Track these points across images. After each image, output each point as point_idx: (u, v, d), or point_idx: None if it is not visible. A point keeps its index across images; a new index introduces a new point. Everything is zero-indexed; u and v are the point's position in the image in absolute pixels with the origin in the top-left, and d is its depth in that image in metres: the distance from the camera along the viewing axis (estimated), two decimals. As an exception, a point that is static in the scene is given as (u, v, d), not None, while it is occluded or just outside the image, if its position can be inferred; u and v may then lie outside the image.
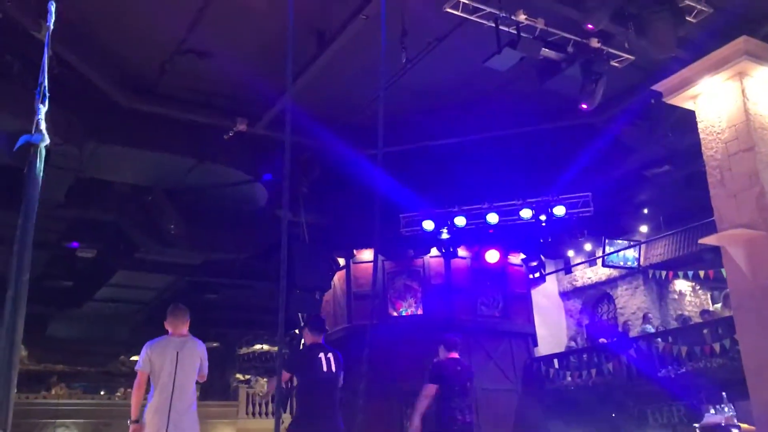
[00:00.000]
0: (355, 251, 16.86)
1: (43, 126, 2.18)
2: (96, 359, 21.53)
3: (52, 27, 2.57)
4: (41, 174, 2.10)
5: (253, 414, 23.26)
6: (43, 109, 2.22)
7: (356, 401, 6.30)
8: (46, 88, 2.27)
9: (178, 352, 5.81)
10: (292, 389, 6.67)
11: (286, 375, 6.70)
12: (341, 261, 17.02)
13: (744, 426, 10.31)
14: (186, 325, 6.11)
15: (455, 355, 7.39)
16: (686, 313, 16.40)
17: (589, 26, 7.61)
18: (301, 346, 7.54)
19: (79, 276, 16.21)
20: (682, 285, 17.66)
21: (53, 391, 23.73)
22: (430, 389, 7.20)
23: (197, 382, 6.14)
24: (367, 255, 16.91)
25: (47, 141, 2.12)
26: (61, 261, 15.15)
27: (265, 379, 25.27)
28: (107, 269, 15.27)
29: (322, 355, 6.42)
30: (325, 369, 6.35)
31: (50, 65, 2.56)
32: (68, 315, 18.03)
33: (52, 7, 2.62)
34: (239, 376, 25.81)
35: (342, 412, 6.48)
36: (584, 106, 8.48)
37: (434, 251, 16.29)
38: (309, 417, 6.13)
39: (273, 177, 12.59)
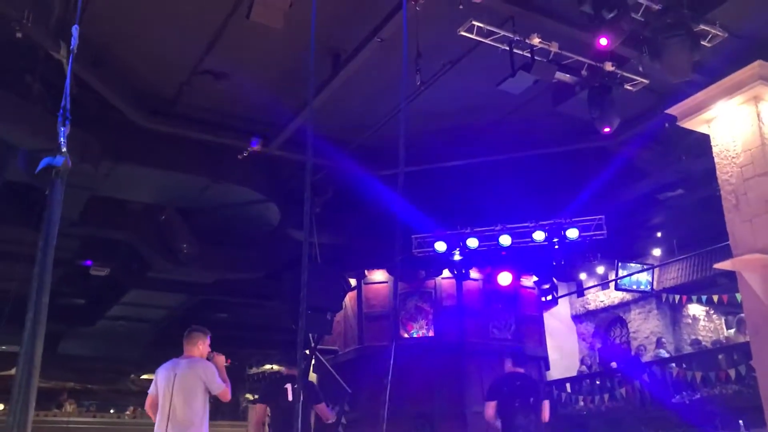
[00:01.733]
0: (366, 272, 16.84)
1: (64, 148, 2.20)
2: (107, 377, 21.50)
3: (75, 51, 2.60)
4: (62, 197, 2.12)
5: (263, 434, 23.05)
6: (65, 131, 2.25)
7: (367, 424, 6.35)
8: (68, 111, 2.30)
9: (175, 374, 5.76)
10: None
11: (261, 406, 7.43)
12: (352, 281, 16.99)
13: (760, 454, 10.16)
14: (196, 346, 6.05)
15: (520, 370, 7.11)
16: (700, 337, 16.24)
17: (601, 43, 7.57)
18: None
19: (91, 294, 16.27)
20: (695, 309, 17.49)
21: (64, 409, 23.74)
22: (488, 407, 6.83)
23: (216, 399, 6.05)
24: (378, 276, 16.87)
25: (69, 164, 2.14)
26: (74, 279, 15.20)
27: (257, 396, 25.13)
28: (120, 288, 15.31)
29: (288, 385, 6.87)
30: (290, 398, 6.78)
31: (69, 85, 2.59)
32: (80, 333, 18.05)
33: (76, 32, 2.65)
34: (249, 396, 25.70)
35: None
36: (607, 129, 8.45)
37: (446, 273, 16.23)
38: None
39: (286, 198, 12.64)
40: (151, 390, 5.83)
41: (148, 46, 9.46)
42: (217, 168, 11.74)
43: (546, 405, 6.96)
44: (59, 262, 13.33)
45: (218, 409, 23.60)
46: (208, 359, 6.04)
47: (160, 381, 5.78)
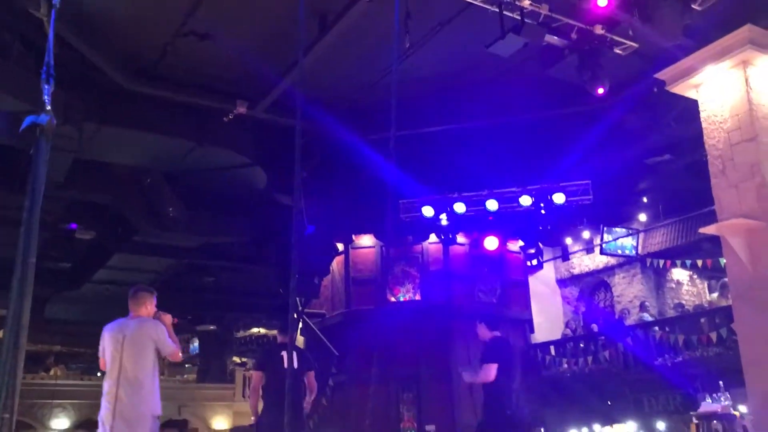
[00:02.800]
0: (353, 236, 16.87)
1: (48, 107, 2.15)
2: (94, 341, 21.43)
3: (58, 5, 2.52)
4: (47, 156, 2.08)
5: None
6: (49, 89, 2.19)
7: (354, 386, 6.42)
8: (52, 68, 2.24)
9: (124, 336, 5.53)
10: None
11: (258, 374, 7.66)
12: (340, 246, 17.02)
13: (739, 415, 10.38)
14: (144, 306, 5.78)
15: (498, 334, 6.79)
16: (683, 302, 16.45)
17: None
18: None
19: (77, 258, 16.19)
20: (679, 274, 17.70)
21: (51, 372, 23.82)
22: (490, 369, 6.37)
23: (166, 360, 5.95)
24: (365, 240, 16.91)
25: (54, 121, 2.09)
26: (60, 242, 15.11)
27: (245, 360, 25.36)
28: (105, 251, 15.24)
29: (284, 353, 6.99)
30: (286, 366, 6.85)
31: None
32: (66, 296, 18.01)
33: (58, -15, 2.57)
34: (236, 359, 25.90)
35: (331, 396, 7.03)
36: (600, 90, 8.39)
37: (433, 237, 16.29)
38: (272, 408, 6.85)
39: (273, 161, 12.55)
40: (101, 353, 5.63)
41: (132, 5, 9.26)
42: (203, 131, 11.62)
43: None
44: (44, 226, 13.24)
45: (207, 373, 23.80)
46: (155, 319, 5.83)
47: (108, 342, 5.56)
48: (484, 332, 6.85)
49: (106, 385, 5.46)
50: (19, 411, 14.77)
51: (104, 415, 5.34)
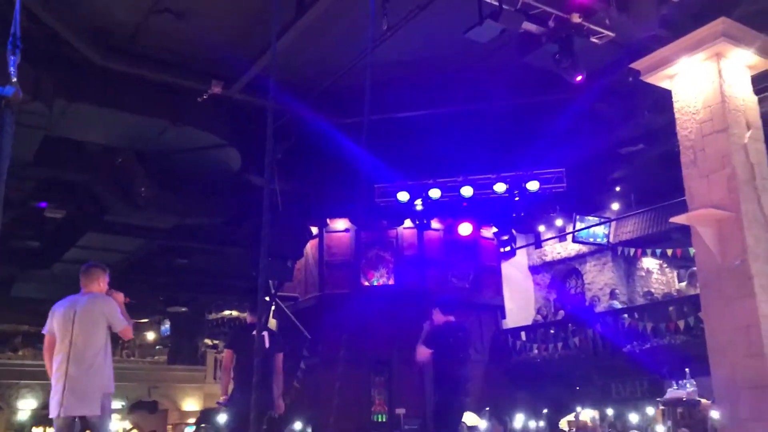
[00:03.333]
0: (328, 220, 16.83)
1: (15, 78, 2.10)
2: (63, 321, 21.31)
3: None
4: (13, 128, 2.03)
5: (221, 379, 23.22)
6: (15, 60, 2.14)
7: (326, 369, 6.44)
8: (19, 39, 2.18)
9: (75, 311, 5.44)
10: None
11: (229, 352, 7.79)
12: (314, 229, 16.97)
13: (704, 401, 10.60)
14: (96, 283, 5.72)
15: (451, 318, 6.88)
16: (653, 290, 16.69)
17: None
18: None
19: (47, 237, 15.96)
20: (649, 263, 17.93)
21: (19, 352, 23.53)
22: (423, 353, 6.64)
23: (120, 338, 5.86)
24: (340, 224, 16.88)
25: (20, 94, 2.04)
26: (29, 221, 14.87)
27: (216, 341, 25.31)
28: (76, 231, 15.04)
29: (255, 333, 7.05)
30: (266, 346, 7.15)
31: (20, 18, 2.46)
32: (35, 275, 17.75)
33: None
34: (208, 341, 25.80)
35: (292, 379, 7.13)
36: (578, 78, 8.43)
37: (408, 222, 16.31)
38: (243, 389, 6.96)
39: (246, 143, 12.45)
40: (47, 330, 5.52)
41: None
42: (176, 110, 11.47)
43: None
44: (13, 204, 13.02)
45: (178, 354, 23.68)
46: None
47: (58, 319, 5.46)
48: (438, 317, 6.93)
49: (56, 362, 5.36)
50: (-15, 391, 14.41)
51: (56, 394, 5.25)
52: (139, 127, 11.78)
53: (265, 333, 7.18)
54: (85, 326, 5.42)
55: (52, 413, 5.28)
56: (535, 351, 15.78)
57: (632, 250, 16.80)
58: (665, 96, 9.09)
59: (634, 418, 13.58)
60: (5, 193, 2.11)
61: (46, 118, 10.27)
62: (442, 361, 6.60)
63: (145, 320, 27.03)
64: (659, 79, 8.92)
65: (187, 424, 20.96)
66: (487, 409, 14.55)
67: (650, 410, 13.26)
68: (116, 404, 18.01)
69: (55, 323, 5.48)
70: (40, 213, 13.98)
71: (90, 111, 10.99)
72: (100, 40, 10.16)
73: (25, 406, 19.95)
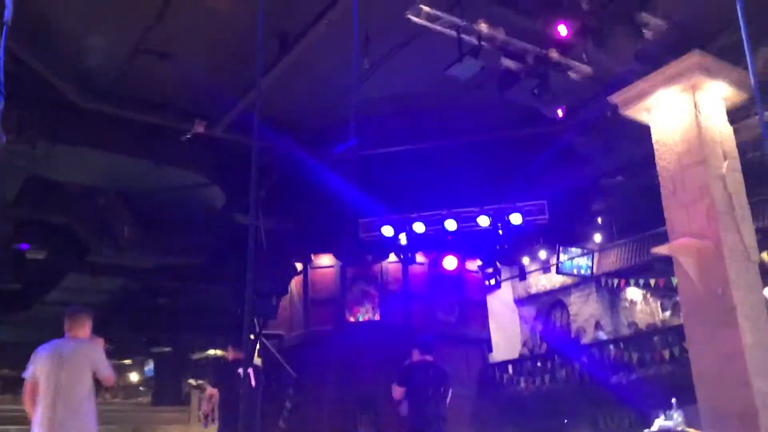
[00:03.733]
0: (312, 256, 16.78)
1: None
2: (44, 364, 20.97)
3: (9, 23, 2.48)
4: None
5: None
6: None
7: (312, 408, 6.38)
8: (2, 85, 2.19)
9: (62, 356, 5.38)
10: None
11: (213, 390, 7.50)
12: (299, 266, 16.91)
13: (691, 431, 10.58)
14: (82, 328, 5.65)
15: (429, 358, 6.97)
16: (637, 320, 16.74)
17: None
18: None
19: (28, 278, 15.76)
20: (633, 293, 18.02)
21: (-2, 397, 23.03)
22: (397, 392, 6.75)
23: (102, 386, 5.79)
24: (325, 260, 16.84)
25: (3, 140, 2.05)
26: (9, 262, 14.71)
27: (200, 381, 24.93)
28: (58, 272, 14.89)
29: (240, 370, 6.75)
30: (253, 384, 6.91)
31: (4, 62, 2.48)
32: (15, 318, 17.49)
33: (11, 3, 2.53)
34: (192, 381, 25.39)
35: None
36: (555, 114, 8.56)
37: (392, 257, 16.31)
38: (229, 426, 6.71)
39: (230, 181, 12.46)
40: (29, 375, 5.41)
41: (89, 22, 9.14)
42: (160, 150, 11.49)
43: (449, 393, 6.93)
44: (-7, 246, 12.90)
45: (162, 395, 23.28)
46: None
47: (43, 363, 5.37)
48: (416, 356, 7.02)
49: (41, 406, 5.26)
50: (-37, 438, 13.99)
51: None
52: (122, 167, 11.77)
53: (251, 370, 6.97)
54: (72, 371, 5.35)
55: None
56: (523, 384, 15.73)
57: (616, 281, 16.90)
58: (643, 128, 9.24)
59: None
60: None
61: (29, 158, 10.25)
62: (414, 399, 6.68)
63: (129, 361, 26.61)
64: (637, 112, 9.07)
65: (172, 467, 20.51)
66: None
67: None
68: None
69: (39, 368, 5.38)
70: (22, 254, 13.84)
71: (73, 152, 10.99)
72: (84, 83, 10.20)
73: (4, 452, 19.47)
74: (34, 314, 17.06)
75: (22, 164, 10.23)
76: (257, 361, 15.85)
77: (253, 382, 6.88)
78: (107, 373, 5.60)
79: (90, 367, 5.47)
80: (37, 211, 12.55)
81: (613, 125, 11.26)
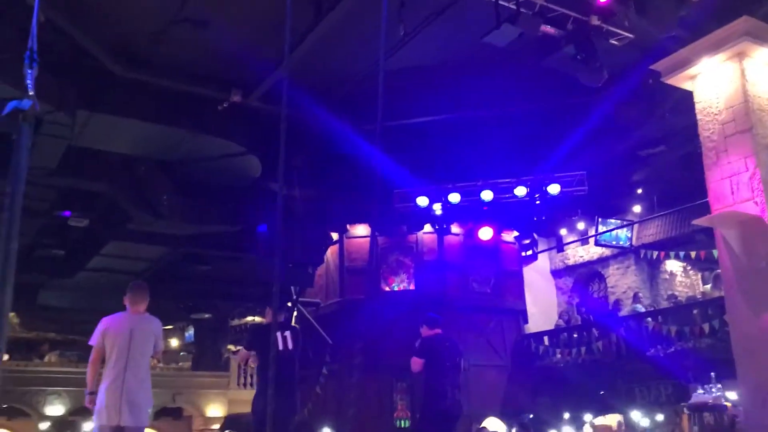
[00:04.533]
0: (348, 226, 16.87)
1: (32, 92, 2.13)
2: (88, 328, 21.47)
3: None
4: (30, 141, 2.06)
5: (245, 385, 23.39)
6: (33, 73, 2.17)
7: (348, 375, 6.40)
8: (35, 53, 2.21)
9: (132, 330, 5.81)
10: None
11: (245, 353, 7.33)
12: (334, 236, 17.02)
13: (730, 405, 10.44)
14: (145, 303, 6.07)
15: (439, 331, 7.26)
16: (677, 293, 16.50)
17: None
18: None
19: (71, 245, 16.14)
20: (673, 265, 17.75)
21: (46, 359, 23.81)
22: (416, 364, 7.03)
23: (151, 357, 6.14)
24: (360, 230, 16.91)
25: (37, 107, 2.07)
26: (53, 230, 15.06)
27: (239, 347, 25.38)
28: (99, 239, 15.19)
29: (278, 333, 6.68)
30: (281, 347, 6.69)
31: (42, 31, 2.50)
32: (60, 284, 17.97)
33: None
34: (231, 347, 25.91)
35: (305, 386, 6.87)
36: (594, 84, 8.39)
37: (427, 227, 16.30)
38: (265, 391, 6.38)
39: (266, 151, 12.51)
40: (97, 343, 5.81)
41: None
42: (196, 119, 11.57)
43: (463, 363, 7.30)
44: (37, 213, 13.21)
45: (202, 360, 23.83)
46: None
47: (113, 335, 5.77)
48: (426, 331, 7.30)
49: (111, 375, 5.66)
50: (14, 398, 14.69)
51: (111, 403, 5.55)
52: (160, 136, 11.90)
53: (288, 333, 6.92)
54: (141, 344, 5.81)
55: (109, 421, 5.55)
56: (558, 356, 15.66)
57: (655, 253, 16.63)
58: (686, 97, 9.01)
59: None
60: (31, 204, 2.14)
61: (69, 128, 10.42)
62: (434, 369, 6.97)
63: (170, 327, 27.22)
64: (680, 81, 8.84)
65: (212, 431, 21.04)
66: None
67: (659, 417, 13.10)
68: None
69: (108, 338, 5.79)
70: (64, 222, 14.14)
71: (111, 121, 11.13)
72: (122, 52, 10.29)
73: (53, 413, 20.16)
74: (78, 280, 17.52)
75: (62, 134, 10.40)
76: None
77: (290, 345, 6.86)
78: (161, 347, 6.13)
79: (153, 340, 5.95)
80: (79, 179, 12.78)
81: (654, 94, 11.01)
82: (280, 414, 6.17)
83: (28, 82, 2.15)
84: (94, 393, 5.74)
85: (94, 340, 5.84)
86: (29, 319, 21.08)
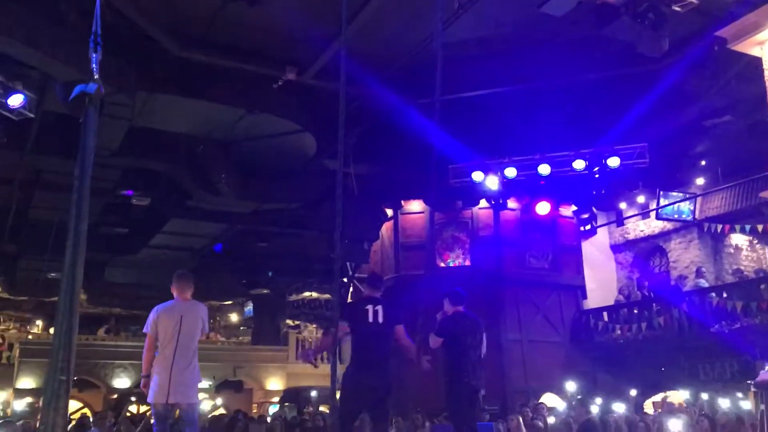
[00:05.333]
0: (402, 202, 16.86)
1: (97, 75, 2.17)
2: (151, 303, 22.14)
3: (104, -26, 2.54)
4: (96, 124, 2.10)
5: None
6: (97, 57, 2.21)
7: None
8: (100, 36, 2.25)
9: (182, 316, 6.28)
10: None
11: (437, 340, 7.11)
12: (389, 212, 17.04)
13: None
14: (191, 290, 6.55)
15: (460, 309, 7.11)
16: (742, 267, 16.02)
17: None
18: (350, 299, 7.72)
19: (134, 223, 16.60)
20: (738, 239, 17.21)
21: (111, 333, 24.71)
22: (434, 341, 6.95)
23: (221, 323, 6.66)
24: (414, 206, 16.90)
25: (102, 90, 2.11)
26: (117, 208, 15.50)
27: (313, 326, 25.75)
28: (161, 217, 15.57)
29: (369, 307, 6.51)
30: (371, 320, 6.47)
31: (103, 13, 2.54)
32: (124, 261, 18.53)
33: (104, -46, 2.58)
34: (289, 321, 26.36)
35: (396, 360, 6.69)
36: (654, 53, 8.12)
37: (483, 203, 16.16)
38: (359, 367, 6.31)
39: (321, 128, 12.55)
40: (150, 330, 6.28)
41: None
42: (252, 98, 11.67)
43: (484, 339, 7.11)
44: (101, 192, 13.59)
45: (261, 335, 24.33)
46: None
47: (165, 321, 6.26)
48: (448, 307, 7.16)
49: (163, 358, 6.17)
50: (84, 371, 15.27)
51: (162, 383, 6.07)
52: (217, 115, 12.06)
53: (379, 307, 6.80)
54: (189, 329, 6.30)
55: (159, 399, 6.07)
56: (618, 332, 15.42)
57: (719, 227, 16.14)
58: (754, 64, 8.66)
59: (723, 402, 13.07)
60: (95, 183, 2.20)
61: (129, 108, 10.64)
62: (455, 347, 6.87)
63: (229, 302, 27.83)
64: (748, 46, 8.49)
65: (272, 403, 21.52)
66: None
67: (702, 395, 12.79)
68: (204, 384, 18.70)
69: (160, 325, 6.26)
70: (127, 201, 14.53)
71: (170, 101, 11.32)
72: (179, 32, 10.43)
73: (120, 385, 20.94)
74: (140, 257, 18.04)
75: (123, 114, 10.63)
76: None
77: (380, 318, 6.82)
78: (207, 329, 6.67)
79: (200, 325, 6.44)
80: (140, 159, 13.08)
81: (720, 61, 10.61)
82: (374, 391, 6.13)
83: (93, 66, 2.19)
84: (148, 377, 6.27)
85: (147, 328, 6.32)
86: (97, 295, 21.84)
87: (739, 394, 12.74)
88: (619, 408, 12.46)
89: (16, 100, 8.95)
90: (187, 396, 6.19)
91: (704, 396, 13.53)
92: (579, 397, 13.66)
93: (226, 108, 11.82)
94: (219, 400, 21.06)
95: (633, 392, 14.82)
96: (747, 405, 11.98)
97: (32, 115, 9.36)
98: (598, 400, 13.42)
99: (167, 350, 6.17)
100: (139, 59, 10.33)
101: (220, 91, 11.46)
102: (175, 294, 6.49)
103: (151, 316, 6.32)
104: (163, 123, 12.31)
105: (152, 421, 6.38)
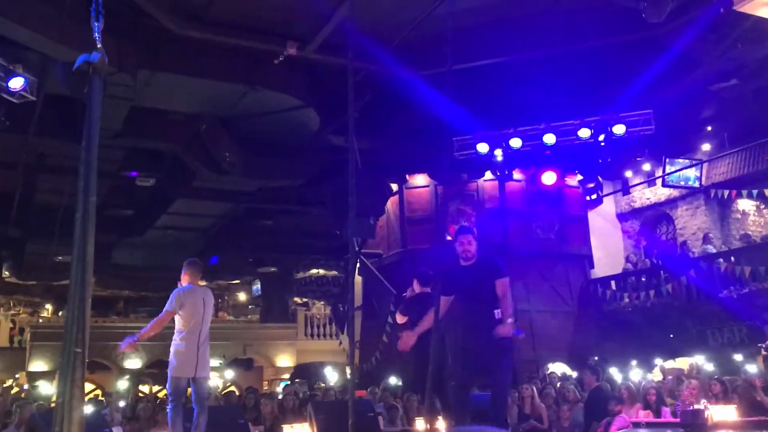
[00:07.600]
0: (407, 176, 16.81)
1: (99, 44, 2.13)
2: (159, 284, 22.28)
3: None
4: (101, 94, 2.06)
5: (311, 335, 23.93)
6: (99, 26, 2.17)
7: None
8: (101, 5, 2.21)
9: (203, 300, 6.94)
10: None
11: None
12: (394, 186, 17.00)
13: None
14: (200, 275, 7.26)
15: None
16: (750, 232, 15.98)
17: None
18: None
19: (139, 204, 16.60)
20: (745, 204, 17.16)
21: (121, 316, 24.87)
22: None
23: (229, 302, 7.00)
24: (419, 180, 16.85)
25: (105, 59, 2.07)
26: (121, 190, 15.47)
27: (321, 302, 25.84)
28: (166, 197, 15.56)
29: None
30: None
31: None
32: (131, 243, 18.55)
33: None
34: (297, 299, 26.47)
35: None
36: (660, 16, 8.01)
37: (488, 174, 16.11)
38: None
39: (326, 103, 12.46)
40: (174, 308, 6.78)
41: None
42: (254, 74, 11.57)
43: None
44: (105, 174, 13.57)
45: (269, 313, 24.46)
46: None
47: (190, 303, 6.80)
48: (416, 287, 7.46)
49: (190, 339, 6.74)
50: (94, 353, 15.34)
51: (189, 360, 6.69)
52: (219, 93, 11.98)
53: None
54: (208, 311, 6.97)
55: (186, 373, 6.70)
56: (626, 300, 15.45)
57: (726, 192, 16.10)
58: (761, 25, 8.53)
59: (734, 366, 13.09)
60: (98, 165, 2.18)
61: (131, 88, 10.57)
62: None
63: (237, 281, 27.94)
64: (755, 7, 8.33)
65: (282, 380, 21.69)
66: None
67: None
68: (214, 362, 18.84)
69: (186, 306, 6.79)
70: (132, 182, 14.50)
71: (171, 80, 11.24)
72: (178, 9, 10.31)
73: (131, 366, 21.11)
74: (147, 239, 18.06)
75: (125, 94, 10.57)
76: (357, 280, 16.26)
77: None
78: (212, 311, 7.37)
79: (212, 310, 7.13)
80: (143, 139, 13.03)
81: (725, 23, 10.47)
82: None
83: (96, 35, 2.15)
84: (138, 342, 6.99)
85: (171, 306, 6.79)
86: (105, 277, 21.92)
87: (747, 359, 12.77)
88: (631, 375, 12.51)
89: (16, 83, 8.91)
90: (206, 370, 6.89)
91: (711, 364, 13.58)
92: (589, 365, 13.70)
93: (229, 85, 11.73)
94: (228, 373, 21.27)
95: (642, 360, 14.87)
96: (753, 369, 12.01)
97: (34, 98, 9.31)
98: (608, 368, 13.48)
99: (194, 331, 6.76)
100: (139, 38, 10.23)
101: (221, 69, 11.36)
102: (188, 279, 7.00)
103: (175, 296, 6.81)
104: (165, 102, 12.24)
105: (169, 397, 6.83)
